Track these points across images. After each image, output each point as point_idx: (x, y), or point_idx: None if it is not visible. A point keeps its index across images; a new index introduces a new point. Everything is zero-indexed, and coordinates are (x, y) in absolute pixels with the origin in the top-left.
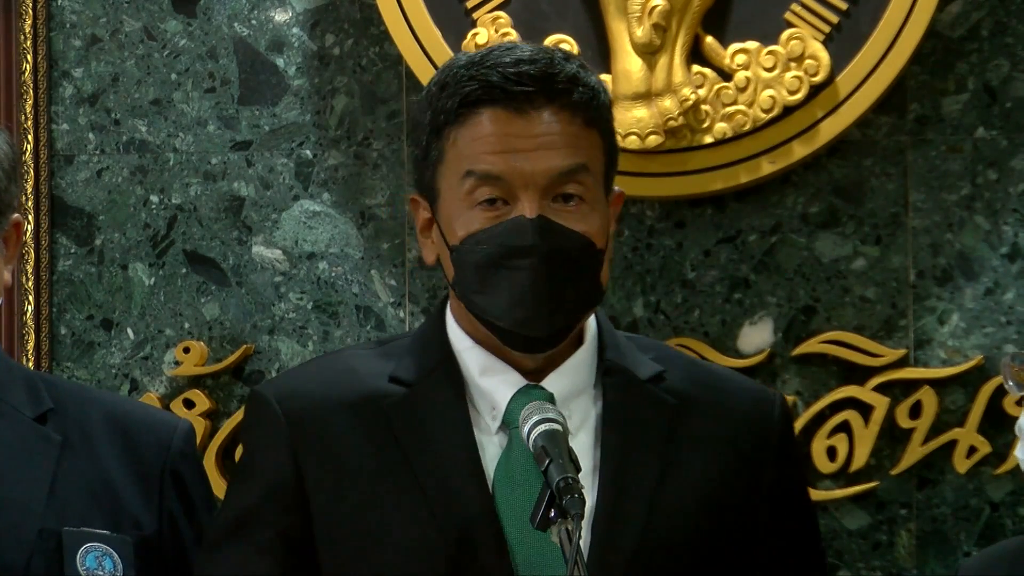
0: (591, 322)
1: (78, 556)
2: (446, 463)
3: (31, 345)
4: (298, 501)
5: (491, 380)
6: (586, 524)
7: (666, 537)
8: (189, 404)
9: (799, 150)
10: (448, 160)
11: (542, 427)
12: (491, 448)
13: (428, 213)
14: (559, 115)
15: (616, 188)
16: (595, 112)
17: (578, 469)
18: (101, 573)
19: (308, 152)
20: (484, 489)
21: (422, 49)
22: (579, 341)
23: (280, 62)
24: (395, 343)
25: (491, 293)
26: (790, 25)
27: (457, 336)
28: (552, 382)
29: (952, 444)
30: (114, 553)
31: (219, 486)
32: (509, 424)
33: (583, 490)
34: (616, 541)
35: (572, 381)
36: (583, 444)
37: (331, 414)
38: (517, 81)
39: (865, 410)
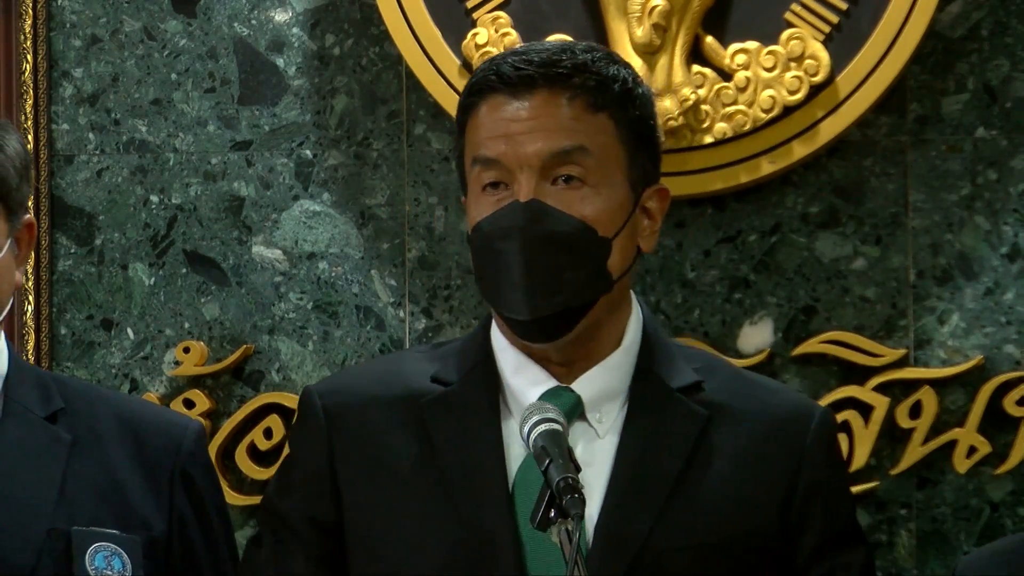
0: (633, 325)
1: (87, 556)
2: (471, 462)
3: (31, 345)
4: (331, 491)
5: (522, 380)
6: (591, 527)
7: (670, 548)
8: (189, 404)
9: (799, 150)
10: (466, 151)
11: (542, 427)
12: (517, 448)
13: None
14: (556, 98)
15: (659, 184)
16: (604, 98)
17: (578, 469)
18: (110, 573)
19: (308, 152)
20: (504, 490)
21: (422, 49)
22: (617, 344)
23: (280, 62)
24: (448, 345)
25: (488, 278)
26: (790, 25)
27: (496, 336)
28: (582, 385)
29: (952, 444)
30: (123, 553)
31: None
32: None
33: (583, 490)
34: (618, 548)
35: (605, 384)
36: (607, 449)
37: (369, 410)
38: (518, 68)
39: (865, 410)
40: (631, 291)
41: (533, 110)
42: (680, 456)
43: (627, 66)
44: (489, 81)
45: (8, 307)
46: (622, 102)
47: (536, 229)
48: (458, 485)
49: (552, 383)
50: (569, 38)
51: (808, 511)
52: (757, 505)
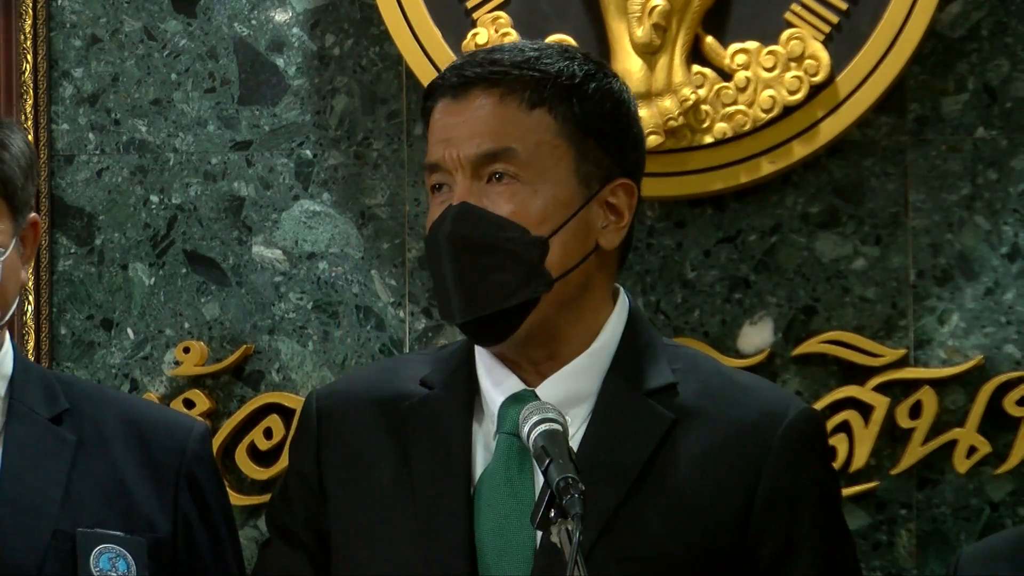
0: (611, 326)
1: (92, 557)
2: (437, 467)
3: (31, 345)
4: (319, 493)
5: (491, 383)
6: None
7: (613, 559)
8: (189, 404)
9: (799, 150)
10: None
11: (542, 427)
12: (483, 452)
13: None
14: (490, 99)
15: (624, 179)
16: (542, 94)
17: (579, 469)
18: (114, 574)
19: (308, 152)
20: (464, 495)
21: (422, 49)
22: (587, 346)
23: (280, 62)
24: (446, 348)
25: (434, 283)
26: (790, 25)
27: None
28: (546, 388)
29: (952, 444)
30: (128, 555)
31: None
32: (500, 429)
33: (584, 490)
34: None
35: (570, 387)
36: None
37: (359, 412)
38: (460, 70)
39: (865, 410)
40: (621, 291)
41: (467, 112)
42: (637, 463)
43: (587, 62)
44: (436, 86)
45: (14, 306)
46: (565, 97)
47: (462, 232)
48: (421, 490)
49: (519, 386)
50: (569, 38)
51: (767, 523)
52: (714, 516)
